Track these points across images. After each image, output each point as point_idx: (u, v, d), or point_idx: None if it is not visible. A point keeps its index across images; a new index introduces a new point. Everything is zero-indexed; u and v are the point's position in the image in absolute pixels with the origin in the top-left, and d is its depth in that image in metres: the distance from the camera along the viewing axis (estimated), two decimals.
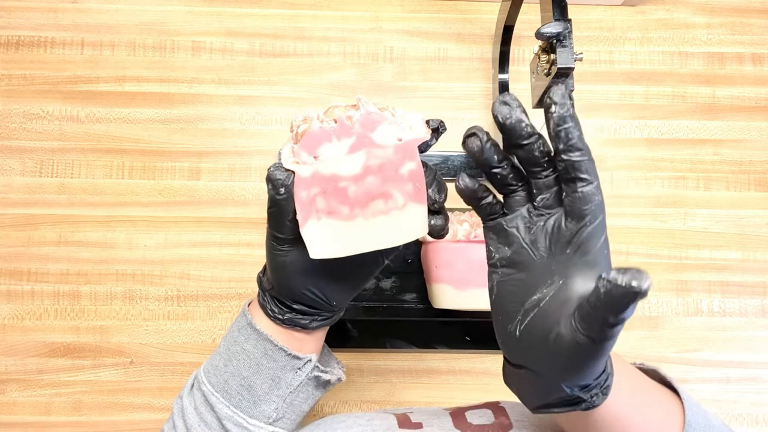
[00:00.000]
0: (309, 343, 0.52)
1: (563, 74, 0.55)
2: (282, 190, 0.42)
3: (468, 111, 0.84)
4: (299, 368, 0.51)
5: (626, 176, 0.84)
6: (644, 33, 0.86)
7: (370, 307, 0.76)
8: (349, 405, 0.80)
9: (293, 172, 0.42)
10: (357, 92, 0.84)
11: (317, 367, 0.52)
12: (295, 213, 0.42)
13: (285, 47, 0.85)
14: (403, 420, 0.52)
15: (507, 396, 0.54)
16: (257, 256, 0.81)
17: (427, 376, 0.81)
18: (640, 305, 0.82)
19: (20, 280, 0.80)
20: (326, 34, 0.85)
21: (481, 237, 0.71)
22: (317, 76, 0.84)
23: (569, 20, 0.55)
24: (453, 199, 0.84)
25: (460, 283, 0.71)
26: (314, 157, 0.42)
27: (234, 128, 0.83)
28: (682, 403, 0.43)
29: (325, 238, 0.42)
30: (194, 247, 0.81)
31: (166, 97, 0.83)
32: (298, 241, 0.44)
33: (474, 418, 0.52)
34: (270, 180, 0.43)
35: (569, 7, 0.56)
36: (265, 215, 0.81)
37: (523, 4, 0.73)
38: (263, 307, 0.50)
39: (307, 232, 0.42)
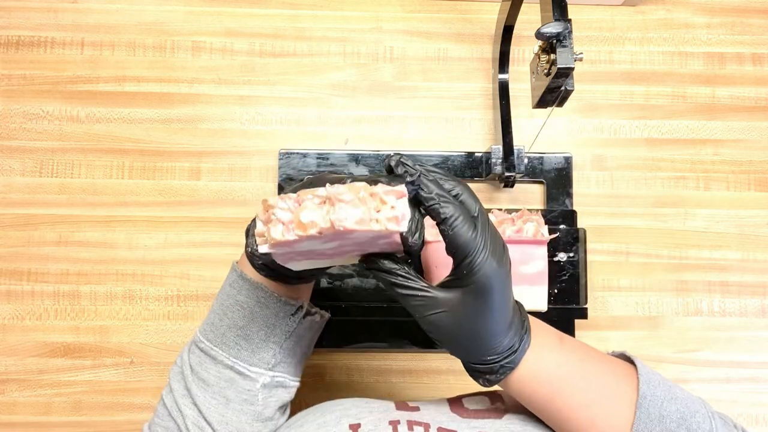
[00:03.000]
0: (297, 291, 0.55)
1: (563, 74, 0.55)
2: (260, 262, 0.50)
3: (468, 111, 0.84)
4: (292, 314, 0.54)
5: (626, 176, 0.84)
6: (644, 33, 0.86)
7: (370, 307, 0.76)
8: None
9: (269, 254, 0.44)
10: (357, 92, 0.84)
11: (309, 311, 0.56)
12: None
13: (285, 47, 0.85)
14: (401, 404, 0.54)
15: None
16: None
17: (427, 376, 0.81)
18: (640, 305, 0.82)
19: (20, 280, 0.81)
20: (326, 34, 0.85)
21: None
22: (317, 76, 0.84)
23: (569, 20, 0.55)
24: None
25: None
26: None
27: (234, 128, 0.83)
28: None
29: (304, 265, 0.47)
30: (194, 247, 0.81)
31: (166, 97, 0.83)
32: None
33: (471, 403, 0.54)
34: (249, 256, 0.50)
35: (569, 7, 0.56)
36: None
37: (523, 4, 0.73)
38: (251, 258, 0.51)
39: (286, 266, 0.47)
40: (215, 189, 0.82)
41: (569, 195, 0.82)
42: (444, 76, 0.85)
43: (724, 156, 0.84)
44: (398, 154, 0.43)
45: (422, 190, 0.42)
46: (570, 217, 0.80)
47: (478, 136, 0.84)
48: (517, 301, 0.47)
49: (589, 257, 0.82)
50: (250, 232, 0.51)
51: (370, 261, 0.44)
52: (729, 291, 0.82)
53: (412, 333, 0.79)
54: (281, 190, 0.81)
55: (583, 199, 0.83)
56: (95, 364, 0.80)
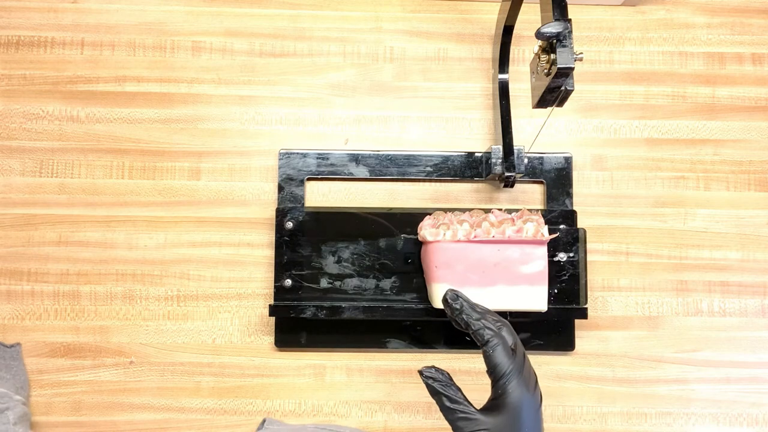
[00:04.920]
0: None
1: (563, 74, 0.55)
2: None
3: (468, 111, 0.84)
4: None
5: (626, 176, 0.84)
6: (644, 33, 0.86)
7: (370, 307, 0.76)
8: (348, 405, 0.80)
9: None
10: (357, 92, 0.84)
11: None
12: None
13: (285, 47, 0.85)
14: None
15: None
16: (257, 256, 0.81)
17: None
18: (640, 305, 0.82)
19: (20, 280, 0.81)
20: (326, 34, 0.85)
21: (481, 237, 0.71)
22: (317, 76, 0.84)
23: (569, 20, 0.55)
24: (453, 200, 0.84)
25: (460, 283, 0.71)
26: None
27: (234, 128, 0.83)
28: None
29: None
30: (194, 247, 0.81)
31: (166, 97, 0.84)
32: None
33: None
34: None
35: (569, 7, 0.56)
36: (264, 215, 0.82)
37: (523, 4, 0.73)
38: None
39: None
40: (215, 189, 0.82)
41: (569, 195, 0.82)
42: (444, 76, 0.85)
43: (724, 156, 0.84)
44: (452, 291, 0.57)
45: (469, 317, 0.53)
46: (570, 217, 0.80)
47: (478, 136, 0.84)
48: None
49: (589, 257, 0.82)
50: None
51: (427, 368, 0.54)
52: (729, 291, 0.82)
53: (412, 333, 0.79)
54: (281, 190, 0.81)
55: (582, 199, 0.83)
56: (95, 364, 0.80)
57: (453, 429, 0.50)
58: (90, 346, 0.80)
